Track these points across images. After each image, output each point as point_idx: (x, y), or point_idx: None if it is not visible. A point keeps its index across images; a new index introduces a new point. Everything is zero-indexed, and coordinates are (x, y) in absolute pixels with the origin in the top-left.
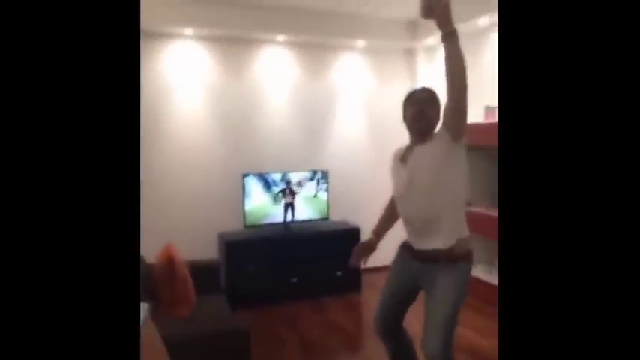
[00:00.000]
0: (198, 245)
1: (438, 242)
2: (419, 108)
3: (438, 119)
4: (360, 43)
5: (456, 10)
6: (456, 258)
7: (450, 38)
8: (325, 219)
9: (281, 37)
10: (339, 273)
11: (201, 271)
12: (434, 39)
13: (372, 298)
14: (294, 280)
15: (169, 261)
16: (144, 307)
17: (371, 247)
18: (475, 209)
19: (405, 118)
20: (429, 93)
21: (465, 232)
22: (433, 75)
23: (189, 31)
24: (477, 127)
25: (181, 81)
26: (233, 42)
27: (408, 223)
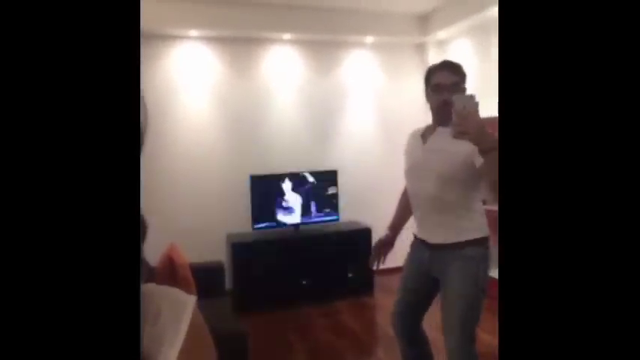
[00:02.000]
0: (206, 247)
1: (449, 235)
2: (444, 98)
3: None
4: (369, 39)
5: (468, 0)
6: (468, 244)
7: (489, 154)
8: (335, 219)
9: (287, 36)
10: (350, 275)
11: (205, 273)
12: (445, 33)
13: (384, 301)
14: (304, 282)
15: (170, 263)
16: (190, 300)
17: (388, 243)
18: (490, 207)
19: (427, 100)
20: (452, 73)
21: (484, 231)
22: None
23: (194, 32)
24: (493, 121)
25: (188, 82)
26: (239, 42)
27: (415, 204)
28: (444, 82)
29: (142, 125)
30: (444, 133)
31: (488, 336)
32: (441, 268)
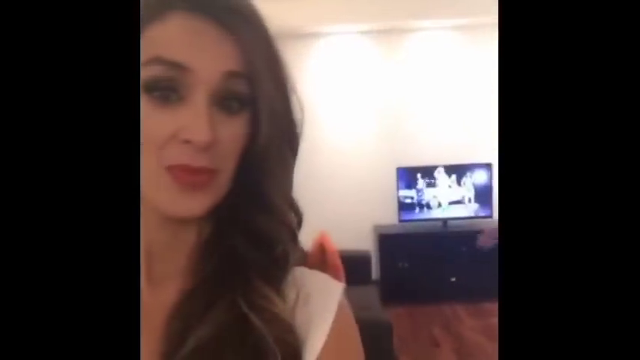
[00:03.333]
0: (353, 237)
1: None
2: None
3: None
4: None
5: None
6: None
7: None
8: (488, 216)
9: (442, 23)
10: None
11: (352, 261)
12: None
13: None
14: (453, 279)
15: (321, 249)
16: (339, 287)
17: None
18: None
19: None
20: None
21: None
22: None
23: (341, 27)
24: None
25: (337, 76)
26: (387, 33)
27: None
28: None
29: (299, 121)
30: None
31: None
32: None
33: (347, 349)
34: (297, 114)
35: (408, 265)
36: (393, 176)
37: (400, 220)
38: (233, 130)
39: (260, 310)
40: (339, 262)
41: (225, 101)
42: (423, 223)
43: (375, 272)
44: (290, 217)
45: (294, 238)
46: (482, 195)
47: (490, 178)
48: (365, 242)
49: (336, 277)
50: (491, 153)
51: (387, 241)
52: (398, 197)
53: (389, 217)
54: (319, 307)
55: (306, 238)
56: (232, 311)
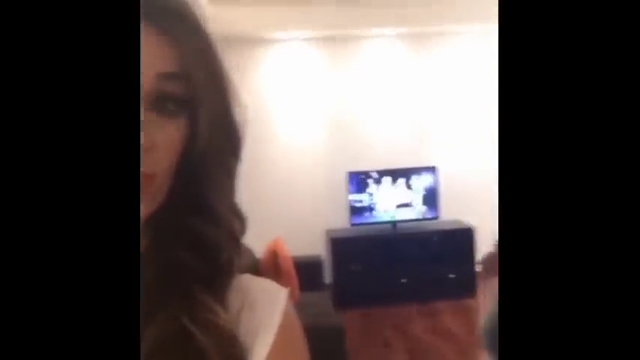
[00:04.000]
0: (305, 242)
1: None
2: None
3: None
4: (468, 27)
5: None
6: None
7: None
8: (434, 218)
9: (389, 31)
10: (451, 275)
11: (305, 267)
12: None
13: (488, 305)
14: (404, 281)
15: (274, 256)
16: (283, 293)
17: None
18: None
19: None
20: None
21: None
22: None
23: (294, 34)
24: None
25: (289, 82)
26: (338, 40)
27: None
28: None
29: (241, 124)
30: None
31: None
32: None
33: (292, 354)
34: (239, 117)
35: (360, 268)
36: (343, 181)
37: (352, 224)
38: (169, 133)
39: (203, 323)
40: (292, 268)
41: (160, 103)
42: (374, 226)
43: (328, 277)
44: (233, 223)
45: (237, 244)
46: (428, 197)
47: (435, 181)
48: (318, 247)
49: (289, 283)
50: (435, 157)
51: (339, 245)
52: (349, 201)
53: (341, 221)
54: (264, 314)
55: (260, 245)
56: (173, 324)
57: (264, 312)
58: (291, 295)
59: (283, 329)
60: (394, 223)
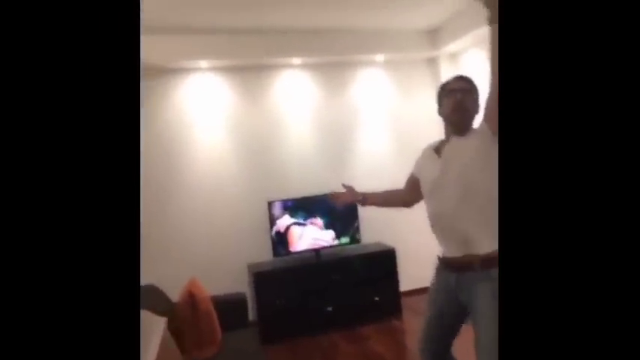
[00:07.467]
0: (227, 278)
1: (472, 246)
2: (457, 98)
3: (477, 110)
4: (379, 57)
5: (477, 11)
6: (494, 263)
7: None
8: (357, 242)
9: (297, 60)
10: (376, 298)
11: (227, 305)
12: (456, 45)
13: (413, 324)
14: (330, 308)
15: (191, 298)
16: (162, 320)
17: (357, 197)
18: None
19: (441, 110)
20: (466, 82)
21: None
22: None
23: (204, 63)
24: None
25: (202, 113)
26: (249, 70)
27: (436, 223)
28: (458, 86)
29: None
30: (458, 142)
31: None
32: (469, 291)
33: None
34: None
35: (285, 301)
36: (264, 210)
37: (274, 255)
38: None
39: None
40: (211, 308)
41: None
42: (297, 255)
43: (252, 313)
44: None
45: None
46: (349, 223)
47: (355, 206)
48: (241, 283)
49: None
50: (354, 181)
51: (262, 279)
52: (271, 232)
53: (264, 253)
54: (144, 342)
55: (177, 285)
56: None
57: (144, 341)
58: (213, 340)
59: (161, 357)
60: (317, 250)
